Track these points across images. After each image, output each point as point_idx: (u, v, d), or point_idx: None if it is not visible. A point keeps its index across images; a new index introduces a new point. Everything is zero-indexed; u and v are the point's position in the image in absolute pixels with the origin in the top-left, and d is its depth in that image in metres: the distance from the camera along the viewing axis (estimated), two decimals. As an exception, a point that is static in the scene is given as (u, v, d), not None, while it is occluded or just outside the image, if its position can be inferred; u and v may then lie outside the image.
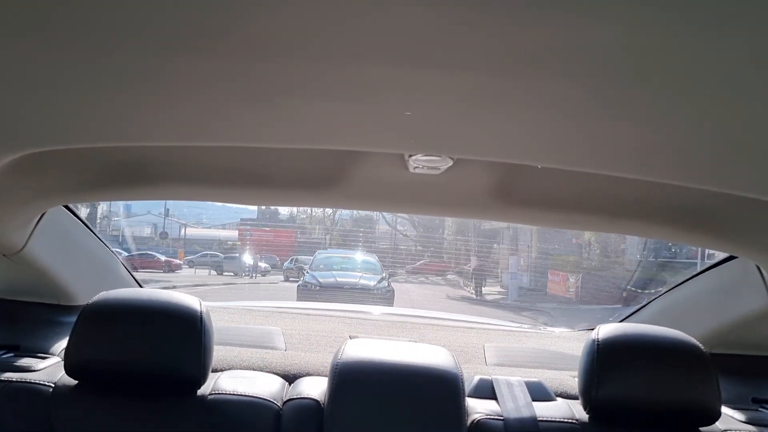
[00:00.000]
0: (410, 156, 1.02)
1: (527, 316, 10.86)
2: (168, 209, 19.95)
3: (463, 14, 0.50)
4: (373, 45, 0.55)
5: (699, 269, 1.61)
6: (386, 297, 9.87)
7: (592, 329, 1.26)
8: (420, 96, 0.67)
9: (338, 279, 10.16)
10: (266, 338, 1.60)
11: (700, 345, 1.22)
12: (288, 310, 1.91)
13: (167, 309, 1.16)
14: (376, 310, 2.17)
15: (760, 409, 1.41)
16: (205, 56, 0.59)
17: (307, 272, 11.07)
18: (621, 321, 1.74)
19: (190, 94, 0.70)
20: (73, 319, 1.17)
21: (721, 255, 1.49)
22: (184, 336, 1.14)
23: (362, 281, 10.22)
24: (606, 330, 1.23)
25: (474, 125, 0.76)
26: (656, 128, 0.69)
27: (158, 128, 0.84)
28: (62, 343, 1.36)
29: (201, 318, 1.16)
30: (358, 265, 11.67)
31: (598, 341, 1.21)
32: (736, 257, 1.44)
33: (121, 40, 0.57)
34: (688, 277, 1.61)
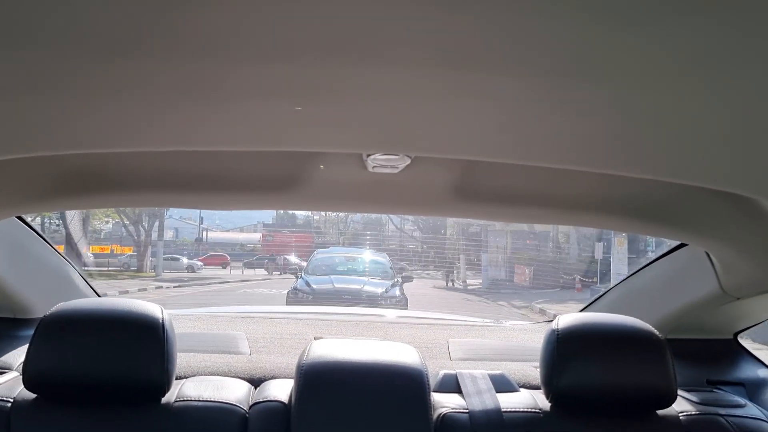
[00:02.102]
0: (368, 155, 1.02)
1: (495, 300, 14.38)
2: (198, 216, 20.37)
3: (412, 11, 0.50)
4: (326, 45, 0.55)
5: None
6: (398, 307, 8.42)
7: (551, 321, 1.29)
8: (376, 95, 0.67)
9: (337, 285, 8.51)
10: (230, 343, 1.59)
11: (656, 331, 1.24)
12: (251, 315, 1.91)
13: (128, 317, 1.14)
14: (340, 311, 2.18)
15: (714, 390, 1.46)
16: (158, 60, 0.58)
17: (301, 276, 9.58)
18: (581, 311, 1.78)
19: (144, 99, 0.69)
20: (30, 332, 1.15)
21: (672, 243, 1.54)
22: (146, 344, 1.13)
23: (367, 287, 8.59)
24: (565, 320, 1.26)
25: (430, 123, 0.76)
26: (607, 122, 0.71)
27: (112, 135, 0.83)
28: (20, 357, 1.33)
29: (163, 325, 1.15)
30: (365, 267, 10.12)
31: (557, 331, 1.23)
32: (686, 245, 1.48)
33: (66, 44, 0.55)
34: (642, 265, 1.65)
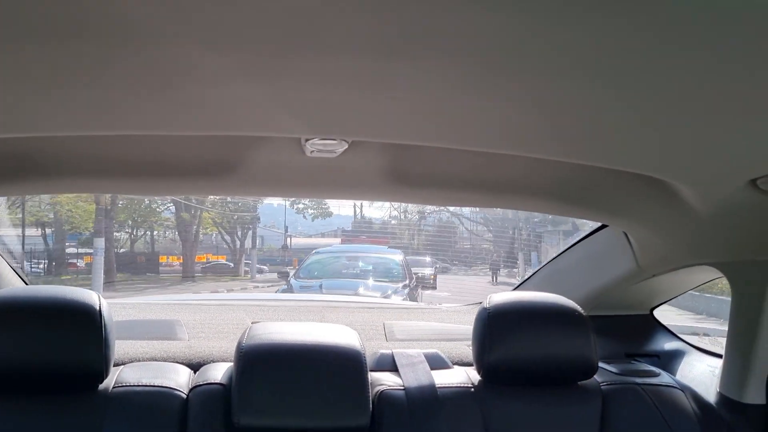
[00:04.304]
0: (307, 140, 1.03)
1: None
2: (283, 224, 21.44)
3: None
4: (264, 31, 0.56)
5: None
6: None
7: (481, 303, 1.38)
8: (314, 79, 0.67)
9: (325, 291, 6.94)
10: (168, 330, 1.59)
11: (579, 308, 1.32)
12: (188, 302, 1.92)
13: (63, 304, 1.13)
14: (276, 297, 2.23)
15: (632, 361, 1.55)
16: (92, 42, 0.58)
17: (292, 280, 8.40)
18: (513, 290, 1.87)
19: (80, 82, 0.68)
20: None
21: (594, 225, 1.63)
22: (83, 330, 1.12)
23: (364, 292, 7.14)
24: (495, 299, 1.33)
25: (367, 108, 0.78)
26: (529, 109, 0.75)
27: (46, 118, 0.81)
28: None
29: (100, 311, 1.14)
30: (369, 267, 8.63)
31: (488, 310, 1.30)
32: (606, 226, 1.58)
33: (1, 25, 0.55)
34: (568, 246, 1.75)
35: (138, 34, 0.56)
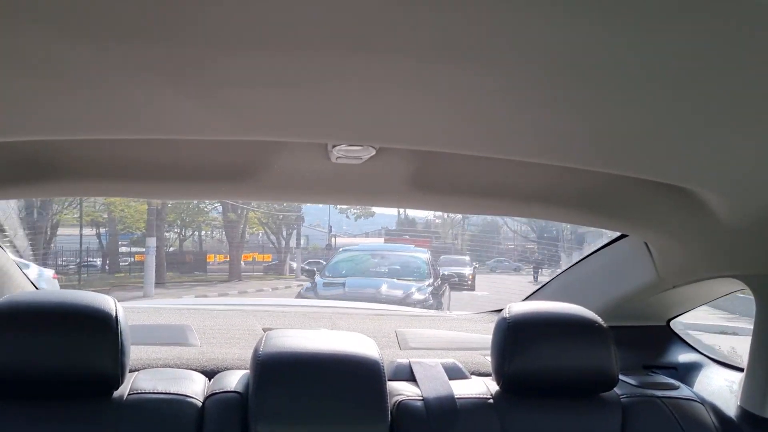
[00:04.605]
0: (334, 146, 1.01)
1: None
2: (327, 224, 21.80)
3: (379, 2, 0.51)
4: (292, 32, 0.55)
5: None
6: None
7: (494, 311, 1.38)
8: (343, 84, 0.66)
9: (349, 289, 7.45)
10: (179, 335, 1.58)
11: (599, 319, 1.30)
12: (197, 307, 1.91)
13: (79, 309, 1.12)
14: (286, 302, 2.25)
15: (650, 373, 1.53)
16: (113, 43, 0.57)
17: (317, 277, 8.63)
18: (526, 299, 1.85)
19: (98, 83, 0.67)
20: None
21: (613, 234, 1.62)
22: (99, 335, 1.11)
23: (387, 290, 7.54)
24: (515, 309, 1.31)
25: (397, 114, 0.77)
26: (564, 116, 0.74)
27: (64, 122, 0.80)
28: None
29: (116, 317, 1.13)
30: (393, 266, 8.74)
31: (508, 320, 1.27)
32: (626, 236, 1.56)
33: (19, 25, 0.54)
34: (585, 255, 1.74)
35: (161, 35, 0.56)
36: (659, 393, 1.34)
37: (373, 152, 1.03)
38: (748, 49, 0.55)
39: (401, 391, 1.28)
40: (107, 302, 1.15)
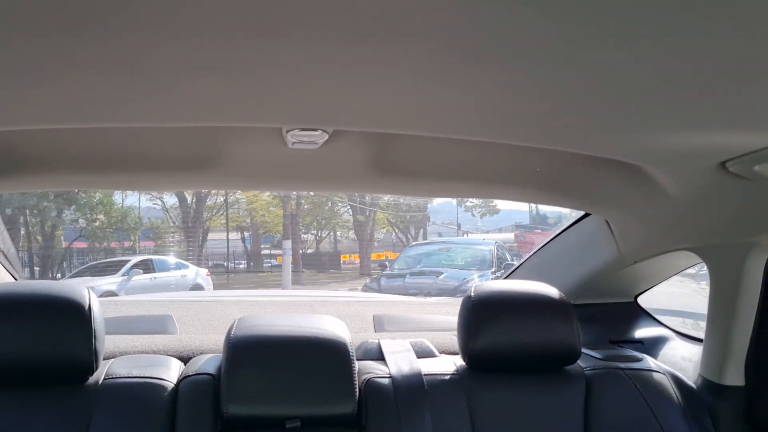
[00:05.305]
0: (288, 131, 1.01)
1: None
2: (456, 221, 22.01)
3: None
4: (244, 18, 0.55)
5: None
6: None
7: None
8: (292, 68, 0.67)
9: (408, 281, 8.26)
10: (159, 325, 1.61)
11: (561, 294, 1.35)
12: (180, 300, 1.96)
13: (53, 298, 1.14)
14: (268, 293, 2.28)
15: (615, 347, 1.56)
16: (75, 34, 0.57)
17: (385, 270, 9.22)
18: (503, 278, 1.89)
19: (60, 73, 0.67)
20: None
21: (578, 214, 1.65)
22: (72, 322, 1.13)
23: (442, 281, 8.12)
24: (480, 288, 1.36)
25: (347, 96, 0.77)
26: (511, 95, 0.75)
27: (24, 111, 0.80)
28: None
29: (89, 305, 1.15)
30: (459, 257, 9.46)
31: (473, 298, 1.32)
32: (589, 215, 1.59)
33: None
34: (553, 236, 1.76)
35: (121, 25, 0.56)
36: (622, 365, 1.37)
37: (327, 136, 1.04)
38: (679, 23, 0.55)
39: (370, 369, 1.31)
40: (81, 291, 1.18)
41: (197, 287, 12.16)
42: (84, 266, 13.66)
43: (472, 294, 1.33)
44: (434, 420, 1.23)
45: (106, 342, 1.22)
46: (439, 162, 1.26)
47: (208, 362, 1.29)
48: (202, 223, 16.89)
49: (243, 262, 19.60)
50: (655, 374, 1.35)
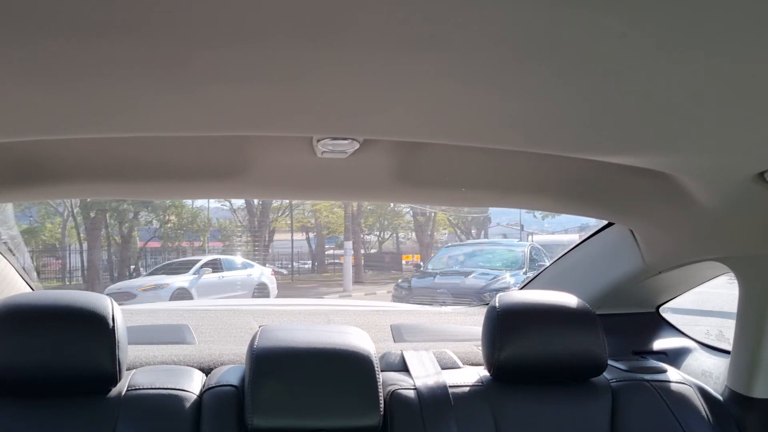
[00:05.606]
0: (318, 140, 1.01)
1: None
2: (522, 223, 21.69)
3: None
4: (277, 26, 0.55)
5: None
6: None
7: (487, 304, 1.43)
8: (326, 77, 0.66)
9: (437, 281, 8.71)
10: (177, 334, 1.61)
11: (587, 305, 1.34)
12: (195, 309, 1.96)
13: (76, 309, 1.15)
14: (284, 302, 2.26)
15: (639, 359, 1.55)
16: (97, 39, 0.56)
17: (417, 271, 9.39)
18: (521, 288, 1.86)
19: (77, 81, 0.66)
20: None
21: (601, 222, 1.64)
22: (96, 333, 1.14)
23: (470, 281, 8.44)
24: (504, 298, 1.35)
25: (379, 106, 0.77)
26: (542, 103, 0.74)
27: (51, 120, 0.79)
28: None
29: (113, 315, 1.16)
30: (491, 258, 9.71)
31: (497, 309, 1.31)
32: (612, 224, 1.58)
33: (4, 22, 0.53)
34: (575, 244, 1.75)
35: (145, 31, 0.55)
36: (648, 377, 1.36)
37: (357, 145, 1.03)
38: (716, 33, 0.55)
39: (394, 381, 1.30)
40: (104, 301, 1.18)
41: (262, 286, 12.68)
42: (158, 265, 14.37)
43: (497, 305, 1.32)
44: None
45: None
46: (465, 171, 1.26)
47: (231, 373, 1.29)
48: (267, 224, 17.40)
49: (308, 262, 20.03)
50: (681, 386, 1.34)
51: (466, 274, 8.99)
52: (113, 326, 1.15)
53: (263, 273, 13.32)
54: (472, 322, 1.80)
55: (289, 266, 18.36)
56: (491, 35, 0.56)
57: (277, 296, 12.51)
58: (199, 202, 16.96)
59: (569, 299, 1.34)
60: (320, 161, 1.13)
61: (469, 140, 0.92)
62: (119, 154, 1.15)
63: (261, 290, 12.59)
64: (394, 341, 1.68)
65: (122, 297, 10.52)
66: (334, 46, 0.58)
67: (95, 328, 1.14)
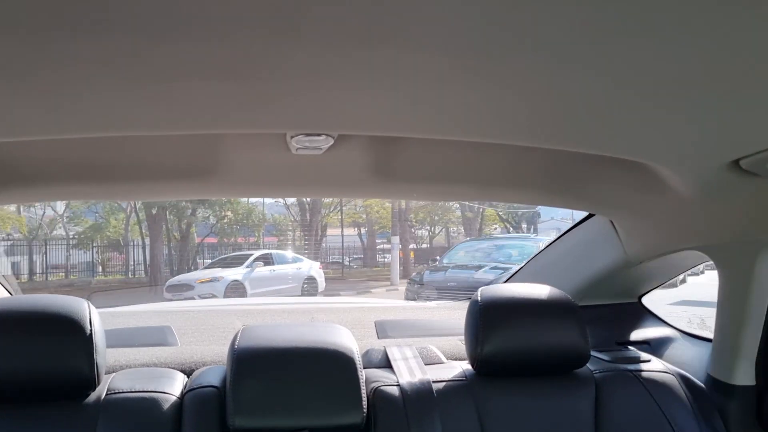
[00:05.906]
0: (292, 137, 0.99)
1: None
2: (573, 216, 21.30)
3: None
4: (247, 22, 0.53)
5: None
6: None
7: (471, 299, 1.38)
8: (298, 73, 0.65)
9: (448, 275, 8.75)
10: (159, 336, 1.58)
11: (569, 297, 1.34)
12: (178, 310, 1.94)
13: (53, 313, 1.13)
14: (268, 301, 2.23)
15: (622, 349, 1.55)
16: (64, 37, 0.55)
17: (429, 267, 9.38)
18: (505, 282, 1.84)
19: (55, 80, 0.64)
20: None
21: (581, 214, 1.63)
22: (73, 338, 1.11)
23: (480, 275, 8.35)
24: (486, 292, 1.34)
25: (352, 101, 0.76)
26: (515, 95, 0.74)
27: (19, 121, 0.77)
28: None
29: (90, 319, 1.14)
30: (504, 254, 9.55)
31: (479, 303, 1.30)
32: (593, 215, 1.58)
33: None
34: (557, 236, 1.75)
35: (118, 27, 0.54)
36: (631, 367, 1.37)
37: (332, 141, 1.02)
38: (691, 23, 0.56)
39: (377, 378, 1.29)
40: (80, 305, 1.16)
41: (311, 279, 12.99)
42: (214, 259, 14.93)
43: (479, 298, 1.32)
44: (444, 427, 1.22)
45: (107, 356, 1.21)
46: (443, 165, 1.25)
47: (212, 374, 1.27)
48: (318, 219, 17.74)
49: (360, 256, 20.27)
50: (664, 375, 1.35)
51: (477, 268, 9.03)
52: (90, 330, 1.13)
53: (312, 267, 13.68)
54: (456, 316, 1.78)
55: (340, 261, 18.66)
56: (462, 29, 0.57)
57: (326, 289, 12.80)
58: (254, 198, 17.44)
59: (551, 292, 1.35)
60: (295, 158, 1.12)
61: (444, 134, 0.91)
62: (89, 156, 1.13)
63: (310, 283, 12.92)
64: (378, 337, 1.67)
65: (181, 288, 11.15)
66: (301, 40, 0.58)
67: (72, 333, 1.12)
